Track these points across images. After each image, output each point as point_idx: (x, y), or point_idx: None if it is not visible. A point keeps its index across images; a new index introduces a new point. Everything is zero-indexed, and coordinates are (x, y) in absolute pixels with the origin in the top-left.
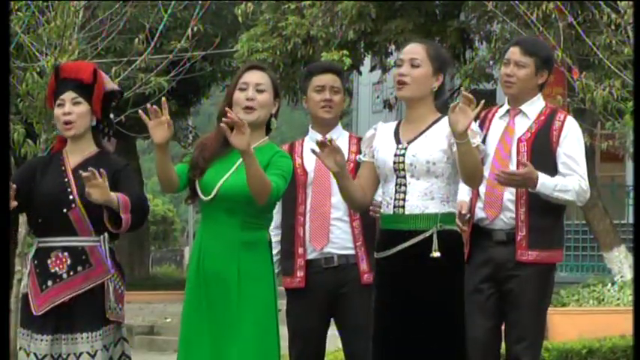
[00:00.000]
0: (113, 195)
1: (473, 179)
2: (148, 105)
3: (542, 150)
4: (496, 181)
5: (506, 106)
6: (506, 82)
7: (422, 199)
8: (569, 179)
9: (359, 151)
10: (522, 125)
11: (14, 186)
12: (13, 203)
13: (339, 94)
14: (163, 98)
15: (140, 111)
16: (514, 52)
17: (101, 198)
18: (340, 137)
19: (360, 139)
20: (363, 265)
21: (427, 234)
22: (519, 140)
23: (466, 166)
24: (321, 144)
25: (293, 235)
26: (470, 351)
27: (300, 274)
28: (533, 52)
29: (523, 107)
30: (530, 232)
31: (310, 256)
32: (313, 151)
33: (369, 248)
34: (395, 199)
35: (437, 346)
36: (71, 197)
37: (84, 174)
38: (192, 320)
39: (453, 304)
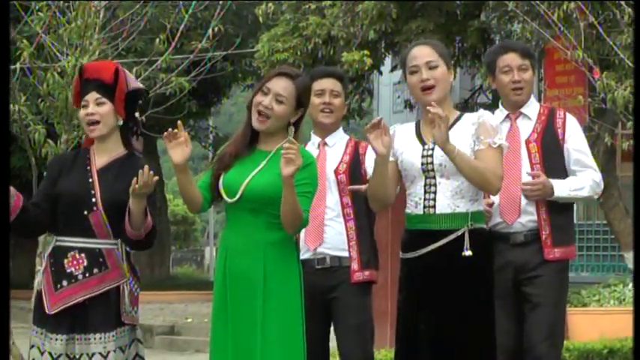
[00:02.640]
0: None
1: (487, 185)
2: (168, 128)
3: (551, 148)
4: (525, 197)
5: (503, 112)
6: (515, 89)
7: (452, 198)
8: (581, 175)
9: (354, 153)
10: (526, 127)
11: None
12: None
13: (339, 97)
14: (179, 121)
15: (164, 136)
16: (513, 58)
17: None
18: (340, 141)
19: (357, 142)
20: (354, 265)
21: (459, 233)
22: (527, 142)
23: (468, 174)
24: (372, 126)
25: None
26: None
27: None
28: (528, 54)
29: (523, 109)
30: (552, 230)
31: (304, 256)
32: (366, 135)
33: (361, 247)
34: (425, 199)
35: (468, 345)
36: (94, 200)
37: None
38: (218, 320)
39: (484, 302)
